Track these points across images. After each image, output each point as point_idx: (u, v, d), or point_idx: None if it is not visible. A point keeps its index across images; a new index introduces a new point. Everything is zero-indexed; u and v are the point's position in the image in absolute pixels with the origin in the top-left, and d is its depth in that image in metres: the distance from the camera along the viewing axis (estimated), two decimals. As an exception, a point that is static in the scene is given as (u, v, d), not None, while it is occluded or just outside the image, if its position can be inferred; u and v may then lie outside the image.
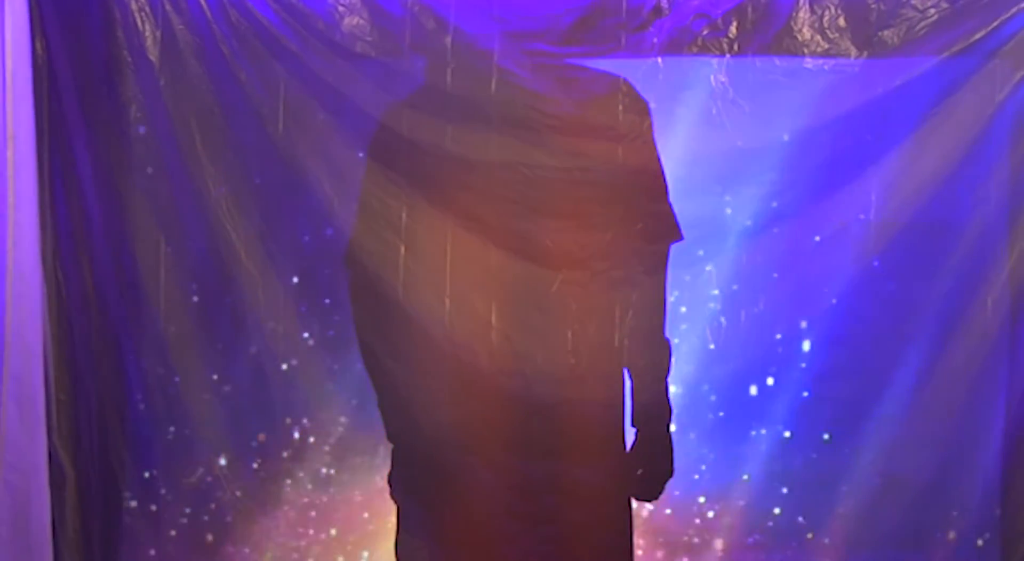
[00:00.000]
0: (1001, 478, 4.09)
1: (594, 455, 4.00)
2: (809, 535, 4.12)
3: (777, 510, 4.12)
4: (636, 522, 4.10)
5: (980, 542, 4.08)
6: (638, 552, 4.11)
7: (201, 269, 4.19)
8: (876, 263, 4.07)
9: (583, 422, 4.00)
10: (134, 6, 4.11)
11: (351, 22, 4.09)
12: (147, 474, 4.20)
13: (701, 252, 4.09)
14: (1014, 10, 3.98)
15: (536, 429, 4.00)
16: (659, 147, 4.07)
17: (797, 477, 4.12)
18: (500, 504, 4.01)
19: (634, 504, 4.06)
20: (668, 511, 4.15)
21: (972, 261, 4.07)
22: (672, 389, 4.07)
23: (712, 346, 4.12)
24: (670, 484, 4.07)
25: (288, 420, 4.20)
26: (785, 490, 4.11)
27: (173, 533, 4.21)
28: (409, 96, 4.09)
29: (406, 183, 4.06)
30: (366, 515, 4.20)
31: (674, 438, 4.07)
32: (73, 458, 4.10)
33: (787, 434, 4.09)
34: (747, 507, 4.13)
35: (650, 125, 4.07)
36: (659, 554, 4.14)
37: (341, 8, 4.09)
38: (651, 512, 4.13)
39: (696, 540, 4.14)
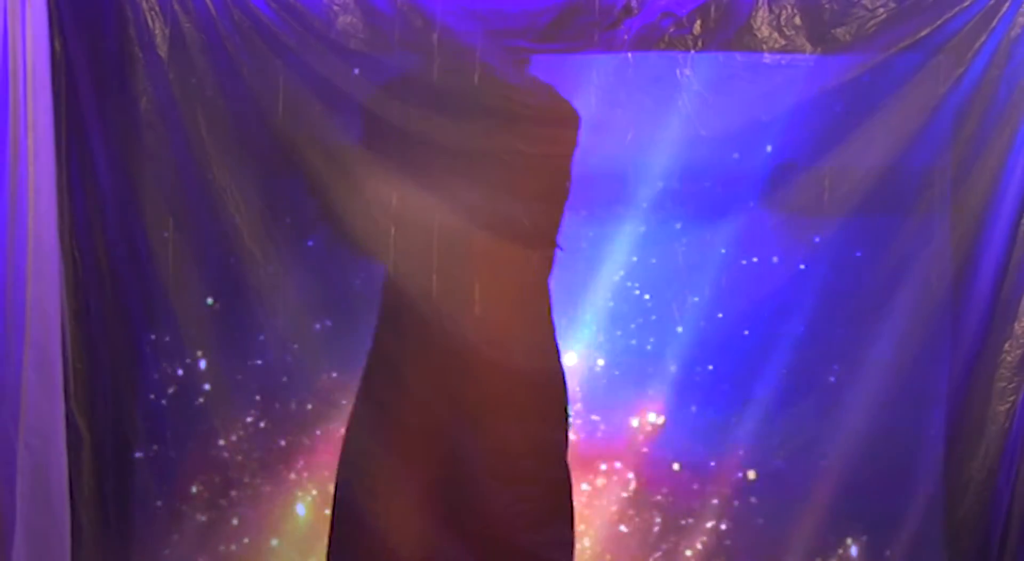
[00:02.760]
0: (945, 439, 4.28)
1: (565, 415, 4.20)
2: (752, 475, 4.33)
3: (742, 451, 4.29)
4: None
5: (925, 495, 4.26)
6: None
7: (206, 247, 4.31)
8: (829, 245, 4.25)
9: (560, 389, 4.19)
10: (145, 6, 4.24)
11: (345, 20, 4.22)
12: (157, 437, 4.32)
13: (670, 228, 4.27)
14: (956, 9, 4.17)
15: (516, 394, 4.17)
16: (628, 136, 4.25)
17: (757, 430, 4.28)
18: (481, 465, 4.19)
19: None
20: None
21: (917, 242, 4.24)
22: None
23: (677, 316, 4.29)
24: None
25: (286, 388, 4.32)
26: (742, 436, 4.29)
27: (180, 495, 4.33)
28: (399, 89, 4.22)
29: (396, 169, 4.20)
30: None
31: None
32: (89, 422, 4.23)
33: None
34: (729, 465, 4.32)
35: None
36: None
37: (335, 7, 4.22)
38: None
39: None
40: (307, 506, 4.38)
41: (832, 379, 4.28)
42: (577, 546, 4.27)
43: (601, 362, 4.33)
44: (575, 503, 4.30)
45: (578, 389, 4.33)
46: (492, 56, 4.18)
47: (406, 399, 4.23)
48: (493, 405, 4.21)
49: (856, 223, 4.26)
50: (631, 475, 4.34)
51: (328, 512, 4.34)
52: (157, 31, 4.26)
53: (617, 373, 4.33)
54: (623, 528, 4.34)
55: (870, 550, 4.31)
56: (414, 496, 4.22)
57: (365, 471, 4.25)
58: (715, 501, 4.32)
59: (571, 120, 4.23)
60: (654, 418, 4.33)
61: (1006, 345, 4.21)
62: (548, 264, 4.21)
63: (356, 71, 4.25)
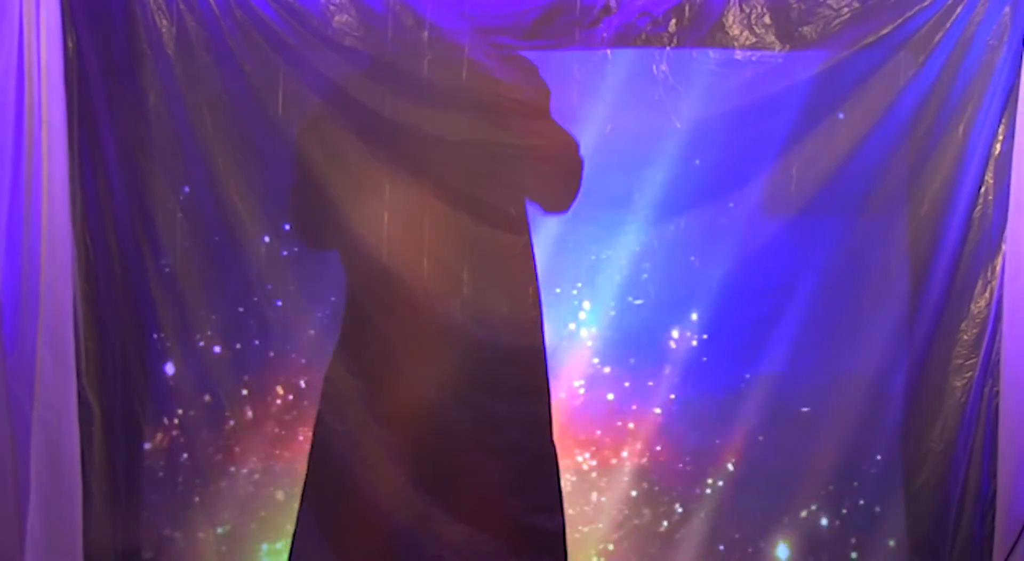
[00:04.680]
0: (904, 412, 4.40)
1: (551, 392, 4.33)
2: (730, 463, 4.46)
3: (709, 422, 4.43)
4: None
5: (885, 465, 4.40)
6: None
7: (211, 233, 4.39)
8: (795, 229, 4.37)
9: (542, 364, 4.32)
10: (152, 5, 4.32)
11: (340, 19, 4.31)
12: (164, 411, 4.40)
13: (645, 215, 4.40)
14: (917, 8, 4.29)
15: (501, 370, 4.31)
16: (608, 128, 4.34)
17: (720, 410, 4.42)
18: (469, 436, 4.32)
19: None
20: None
21: (880, 226, 4.37)
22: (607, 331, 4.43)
23: (652, 295, 4.42)
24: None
25: (292, 364, 4.42)
26: (709, 420, 4.43)
27: (185, 466, 4.43)
28: (392, 83, 4.32)
29: (389, 158, 4.32)
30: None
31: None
32: (99, 398, 4.29)
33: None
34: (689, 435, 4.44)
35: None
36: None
37: (332, 7, 4.31)
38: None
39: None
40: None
41: (798, 360, 4.40)
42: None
43: (588, 334, 4.46)
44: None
45: (568, 362, 4.45)
46: (479, 52, 4.29)
47: (391, 376, 4.33)
48: (477, 380, 4.34)
49: (822, 208, 4.36)
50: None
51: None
52: (164, 29, 4.33)
53: (603, 348, 4.45)
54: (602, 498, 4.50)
55: (833, 518, 4.42)
56: (401, 468, 4.32)
57: (346, 446, 4.34)
58: (688, 471, 4.45)
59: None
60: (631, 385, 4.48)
61: (962, 324, 4.32)
62: (536, 248, 4.31)
63: (351, 67, 4.34)
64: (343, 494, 4.32)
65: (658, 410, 4.46)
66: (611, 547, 4.49)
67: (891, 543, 4.43)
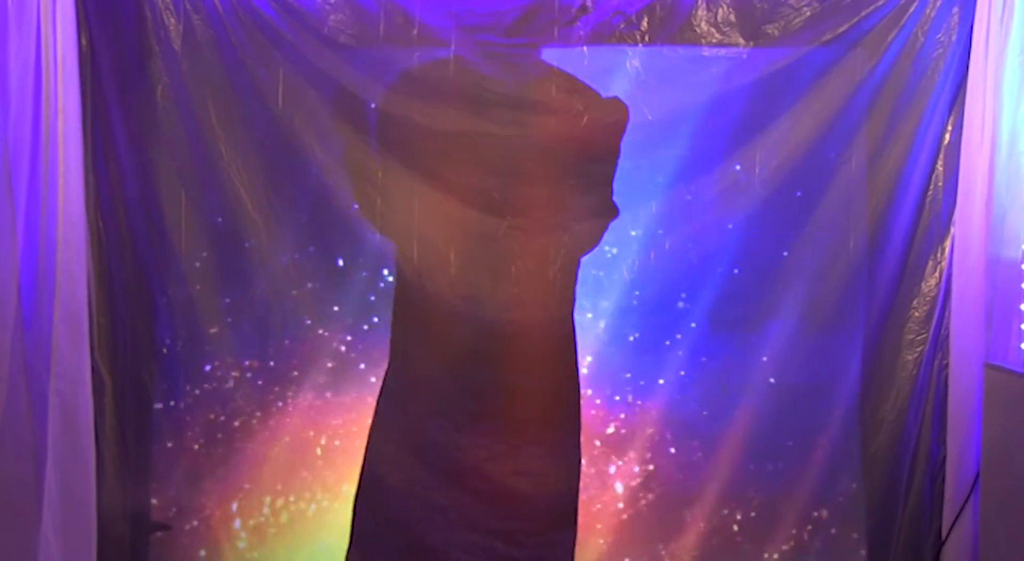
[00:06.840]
0: (860, 383, 4.55)
1: (532, 363, 4.50)
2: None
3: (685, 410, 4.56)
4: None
5: (843, 433, 4.55)
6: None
7: (216, 218, 4.53)
8: (760, 214, 4.53)
9: (523, 337, 4.50)
10: (161, 5, 4.47)
11: (336, 18, 4.46)
12: (170, 383, 4.55)
13: (619, 200, 4.53)
14: (871, 7, 4.48)
15: (486, 342, 4.48)
16: (583, 120, 4.46)
17: (702, 384, 4.56)
18: (456, 405, 4.49)
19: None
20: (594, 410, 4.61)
21: (838, 210, 4.53)
22: (601, 322, 4.57)
23: (625, 275, 4.56)
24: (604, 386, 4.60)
25: (287, 341, 4.56)
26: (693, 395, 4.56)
27: (190, 432, 4.57)
28: (384, 77, 4.47)
29: (382, 148, 4.47)
30: (354, 416, 4.59)
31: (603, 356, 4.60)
32: (111, 370, 4.45)
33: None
34: (665, 406, 4.57)
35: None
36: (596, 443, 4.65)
37: (327, 7, 4.46)
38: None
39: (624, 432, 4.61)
40: (309, 443, 4.62)
41: (766, 335, 4.54)
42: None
43: None
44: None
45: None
46: (465, 49, 4.44)
47: (399, 346, 4.52)
48: (475, 353, 4.50)
49: (785, 194, 4.52)
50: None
51: (319, 451, 4.59)
52: (171, 27, 4.48)
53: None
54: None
55: (793, 484, 4.58)
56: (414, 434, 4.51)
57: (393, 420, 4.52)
58: (646, 434, 4.61)
59: (544, 108, 4.49)
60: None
61: (914, 302, 4.52)
62: (519, 232, 4.46)
63: (346, 63, 4.47)
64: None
65: None
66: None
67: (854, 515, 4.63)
